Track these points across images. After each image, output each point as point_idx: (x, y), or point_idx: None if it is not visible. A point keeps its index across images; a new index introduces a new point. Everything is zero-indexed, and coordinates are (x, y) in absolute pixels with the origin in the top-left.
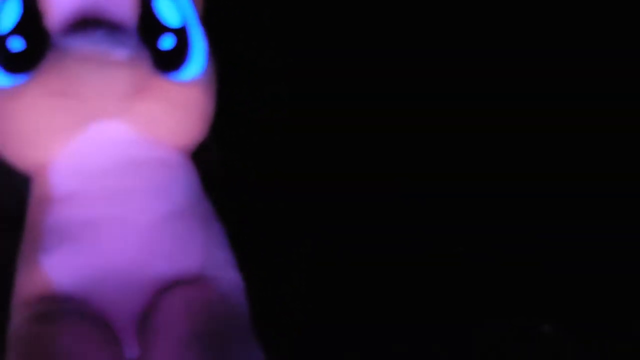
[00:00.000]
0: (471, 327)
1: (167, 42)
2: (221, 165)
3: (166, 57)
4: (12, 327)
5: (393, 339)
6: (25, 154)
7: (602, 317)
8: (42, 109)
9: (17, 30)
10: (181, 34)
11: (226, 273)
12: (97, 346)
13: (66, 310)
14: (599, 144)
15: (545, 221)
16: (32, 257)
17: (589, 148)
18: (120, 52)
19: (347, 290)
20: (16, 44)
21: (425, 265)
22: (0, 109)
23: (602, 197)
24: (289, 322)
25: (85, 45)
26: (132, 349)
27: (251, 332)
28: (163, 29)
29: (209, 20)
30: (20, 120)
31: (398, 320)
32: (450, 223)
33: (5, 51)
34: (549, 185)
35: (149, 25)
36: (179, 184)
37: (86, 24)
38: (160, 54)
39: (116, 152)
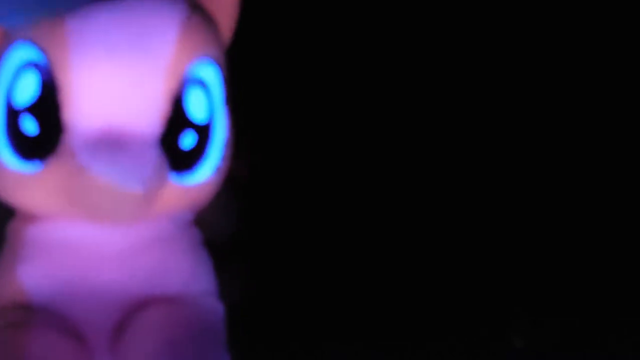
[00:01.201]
0: (439, 340)
1: (188, 141)
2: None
3: (183, 157)
4: None
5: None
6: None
7: (574, 332)
8: (47, 201)
9: (32, 110)
10: (204, 130)
11: (206, 299)
12: (67, 357)
13: (39, 320)
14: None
15: (519, 231)
16: (9, 267)
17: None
18: (136, 187)
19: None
20: (30, 127)
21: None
22: (3, 184)
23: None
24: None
25: (103, 171)
26: None
27: (226, 355)
28: (187, 124)
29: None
30: (22, 200)
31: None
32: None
33: (18, 130)
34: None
35: (174, 124)
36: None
37: (107, 138)
38: (178, 153)
39: None
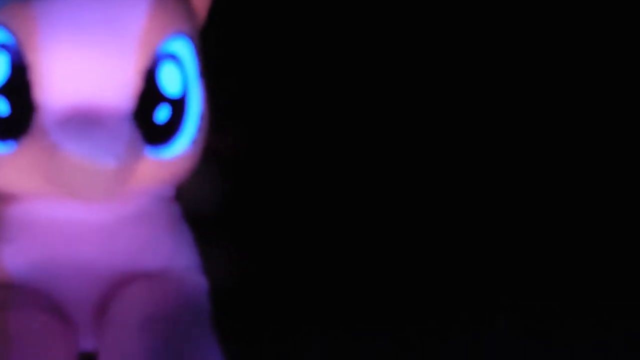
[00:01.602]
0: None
1: (162, 115)
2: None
3: (158, 131)
4: None
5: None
6: None
7: (557, 309)
8: (24, 181)
9: (3, 91)
10: (178, 104)
11: (190, 274)
12: (51, 334)
13: (21, 298)
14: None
15: (501, 214)
16: None
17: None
18: (109, 162)
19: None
20: (1, 107)
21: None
22: None
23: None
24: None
25: (75, 147)
26: (89, 339)
27: (210, 330)
28: (161, 99)
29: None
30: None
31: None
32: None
33: None
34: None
35: (147, 99)
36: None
37: (78, 115)
38: (153, 127)
39: None
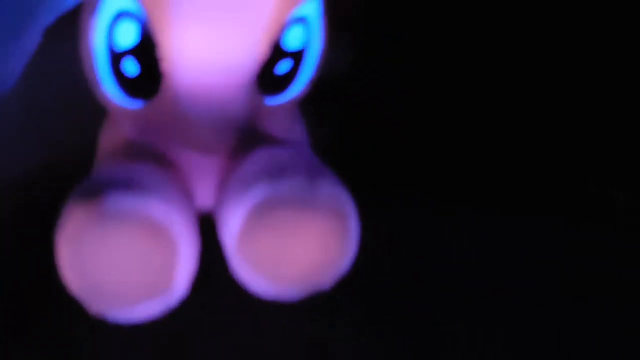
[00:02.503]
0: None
1: (283, 68)
2: None
3: (277, 82)
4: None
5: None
6: None
7: None
8: (149, 134)
9: (133, 54)
10: (299, 56)
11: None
12: (169, 181)
13: (143, 153)
14: None
15: None
16: (112, 124)
17: None
18: (232, 137)
19: None
20: (131, 69)
21: None
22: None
23: None
24: None
25: (200, 122)
26: (207, 202)
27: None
28: (284, 56)
29: None
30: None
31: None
32: None
33: (120, 71)
34: None
35: (271, 60)
36: None
37: (204, 90)
38: (273, 80)
39: None
